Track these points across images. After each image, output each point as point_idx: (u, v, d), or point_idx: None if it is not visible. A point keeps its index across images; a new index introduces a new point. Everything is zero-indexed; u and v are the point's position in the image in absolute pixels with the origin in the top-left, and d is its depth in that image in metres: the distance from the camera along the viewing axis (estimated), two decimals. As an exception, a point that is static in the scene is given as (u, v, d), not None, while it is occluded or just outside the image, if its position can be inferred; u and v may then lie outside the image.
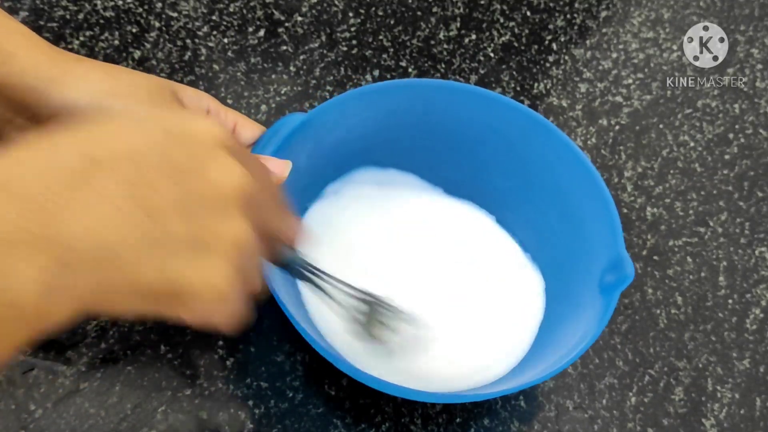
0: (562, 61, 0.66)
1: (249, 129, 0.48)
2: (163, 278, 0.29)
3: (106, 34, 0.61)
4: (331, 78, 0.63)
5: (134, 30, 0.62)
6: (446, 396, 0.47)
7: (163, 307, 0.30)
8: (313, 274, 0.41)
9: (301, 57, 0.63)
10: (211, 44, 0.63)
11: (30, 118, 0.42)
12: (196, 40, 0.62)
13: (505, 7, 0.68)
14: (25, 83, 0.40)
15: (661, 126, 0.65)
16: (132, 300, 0.29)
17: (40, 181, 0.26)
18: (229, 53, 0.62)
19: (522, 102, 0.64)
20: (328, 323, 0.50)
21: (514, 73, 0.65)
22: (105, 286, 0.28)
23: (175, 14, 0.63)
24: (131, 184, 0.28)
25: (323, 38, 0.64)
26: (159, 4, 0.63)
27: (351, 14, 0.66)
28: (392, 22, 0.66)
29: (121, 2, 0.63)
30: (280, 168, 0.44)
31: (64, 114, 0.41)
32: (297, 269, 0.39)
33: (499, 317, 0.53)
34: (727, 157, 0.64)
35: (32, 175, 0.26)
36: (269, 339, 0.52)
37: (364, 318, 0.44)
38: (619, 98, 0.65)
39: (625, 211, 0.60)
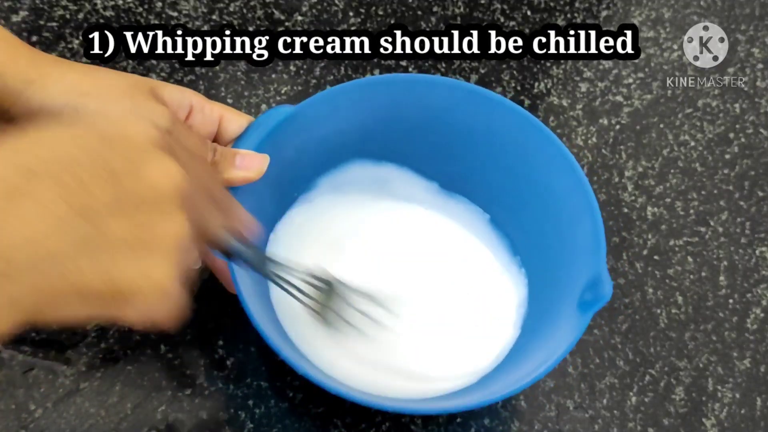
0: (562, 61, 0.66)
1: (235, 121, 0.48)
2: (105, 279, 0.29)
3: (106, 34, 0.61)
4: (332, 77, 0.63)
5: (134, 29, 0.62)
6: (403, 408, 0.47)
7: (107, 308, 0.30)
8: (264, 263, 0.41)
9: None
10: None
11: (8, 121, 0.42)
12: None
13: (505, 7, 0.68)
14: (3, 85, 0.41)
15: (661, 125, 0.65)
16: (75, 304, 0.29)
17: None
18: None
19: (522, 101, 0.64)
20: (297, 325, 0.50)
21: (515, 72, 0.65)
22: (47, 292, 0.28)
23: (175, 14, 0.63)
24: (66, 189, 0.28)
25: (323, 37, 0.64)
26: (159, 4, 0.63)
27: (351, 13, 0.66)
28: (392, 21, 0.66)
29: (121, 2, 0.63)
30: (258, 163, 0.45)
31: (40, 116, 0.41)
32: (245, 260, 0.39)
33: (481, 318, 0.52)
34: (727, 156, 0.64)
35: None
36: (269, 339, 0.52)
37: (320, 305, 0.45)
38: (619, 98, 0.65)
39: (625, 210, 0.60)
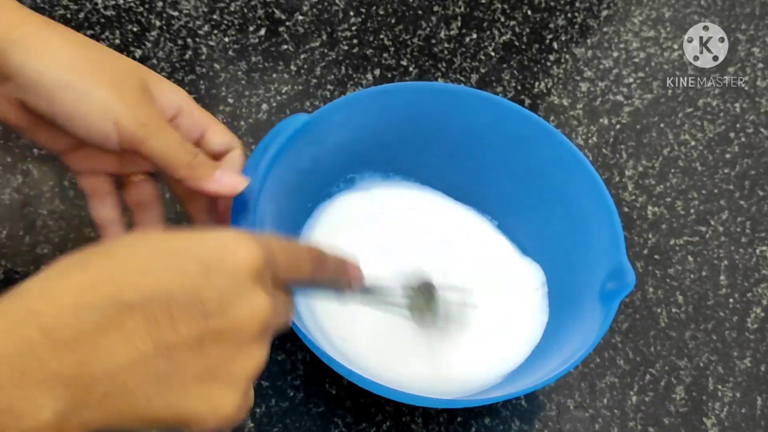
0: (563, 60, 0.66)
1: (220, 135, 0.46)
2: (171, 412, 0.31)
3: (107, 33, 0.61)
4: (332, 77, 0.63)
5: (135, 29, 0.62)
6: (443, 401, 0.47)
7: (168, 429, 0.32)
8: (366, 294, 0.43)
9: (302, 56, 0.63)
10: (211, 43, 0.63)
11: None
12: (197, 39, 0.62)
13: (506, 6, 0.68)
14: None
15: (662, 125, 0.65)
16: (138, 427, 0.31)
17: (73, 324, 0.28)
18: (230, 52, 0.62)
19: (523, 101, 0.64)
20: (329, 321, 0.50)
21: (515, 72, 0.65)
22: (115, 417, 0.30)
23: (175, 13, 0.63)
24: (155, 326, 0.29)
25: (324, 37, 0.64)
26: (160, 3, 0.63)
27: (352, 13, 0.66)
28: (393, 21, 0.66)
29: (122, 1, 0.63)
30: (234, 182, 0.44)
31: (19, 79, 0.39)
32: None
33: (499, 323, 0.52)
34: (728, 156, 0.64)
35: (66, 317, 0.28)
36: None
37: (411, 309, 0.48)
38: (620, 97, 0.65)
39: (626, 210, 0.60)
